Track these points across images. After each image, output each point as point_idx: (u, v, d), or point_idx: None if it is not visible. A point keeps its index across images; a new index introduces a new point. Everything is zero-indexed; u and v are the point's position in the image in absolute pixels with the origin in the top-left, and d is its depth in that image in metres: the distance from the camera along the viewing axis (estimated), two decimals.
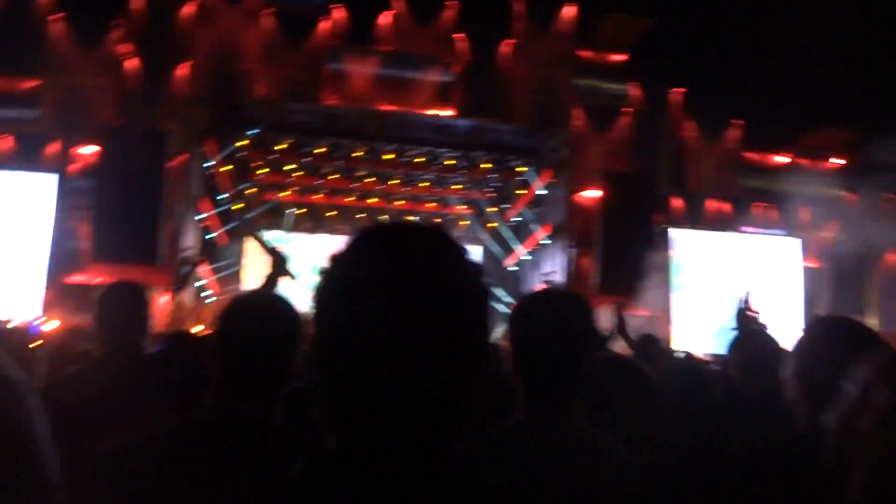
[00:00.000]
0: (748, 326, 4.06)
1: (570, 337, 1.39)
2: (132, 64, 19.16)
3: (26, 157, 18.59)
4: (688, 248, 21.69)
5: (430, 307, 0.82)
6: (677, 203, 21.51)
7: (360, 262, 0.86)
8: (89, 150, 18.31)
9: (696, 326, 21.31)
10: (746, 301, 3.64)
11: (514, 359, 1.45)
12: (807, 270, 22.19)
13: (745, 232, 22.12)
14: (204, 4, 19.90)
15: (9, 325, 16.94)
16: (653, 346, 5.71)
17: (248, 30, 19.98)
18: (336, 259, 0.86)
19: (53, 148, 18.64)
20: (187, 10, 19.89)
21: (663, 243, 21.01)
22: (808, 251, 22.34)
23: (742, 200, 21.91)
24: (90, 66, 18.78)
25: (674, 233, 21.44)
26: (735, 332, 3.52)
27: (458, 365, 0.82)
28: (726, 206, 21.82)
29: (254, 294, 2.62)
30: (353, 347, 0.79)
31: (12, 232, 18.25)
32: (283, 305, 1.93)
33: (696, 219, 21.77)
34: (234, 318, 1.84)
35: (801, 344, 1.81)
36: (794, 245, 22.17)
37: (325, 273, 0.85)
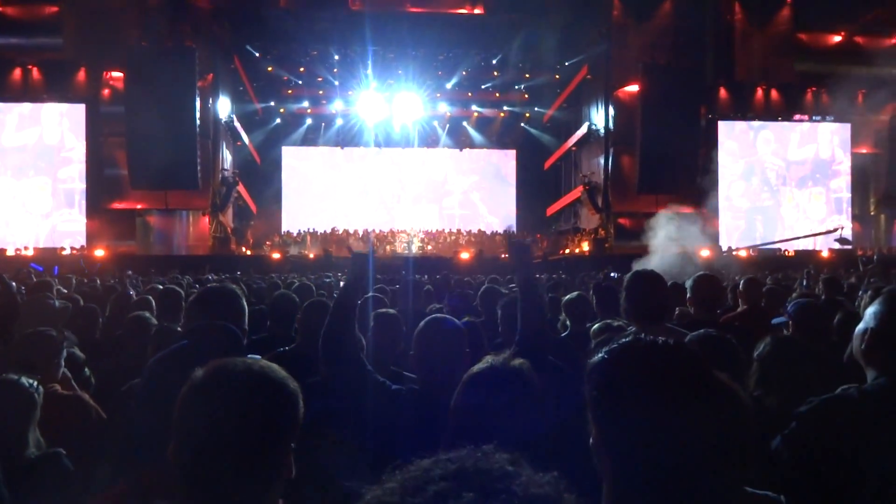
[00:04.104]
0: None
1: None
2: None
3: (53, 88, 18.45)
4: (736, 140, 20.91)
5: None
6: (724, 94, 20.51)
7: None
8: (117, 75, 18.07)
9: (744, 221, 20.88)
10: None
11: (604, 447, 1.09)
12: (856, 156, 21.26)
13: (794, 120, 21.15)
14: None
15: (63, 253, 17.58)
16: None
17: None
18: None
19: (80, 76, 18.44)
20: None
21: (709, 137, 20.24)
22: (860, 136, 21.32)
23: (793, 87, 20.76)
24: None
25: (721, 125, 20.64)
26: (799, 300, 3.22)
27: None
28: (776, 94, 20.73)
29: None
30: None
31: (48, 164, 18.49)
32: None
33: (744, 109, 20.78)
34: None
35: None
36: (843, 131, 21.21)
37: None
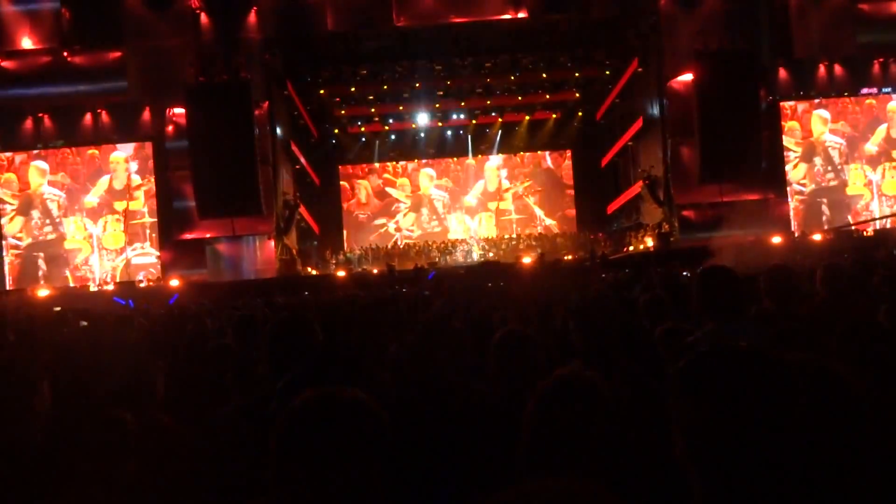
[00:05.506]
0: None
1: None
2: (205, 19, 19.24)
3: (122, 129, 19.45)
4: (796, 120, 20.14)
5: None
6: (784, 73, 19.78)
7: None
8: (179, 111, 18.82)
9: (811, 205, 20.06)
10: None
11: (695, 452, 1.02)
12: None
13: (861, 94, 20.20)
14: None
15: (140, 285, 18.39)
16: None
17: None
18: None
19: (145, 115, 19.32)
20: None
21: (771, 119, 19.55)
22: None
23: (857, 60, 19.84)
24: (167, 28, 18.98)
25: (783, 106, 19.93)
26: None
27: None
28: (840, 69, 19.85)
29: None
30: None
31: (120, 203, 19.48)
32: None
33: (807, 87, 19.98)
34: None
35: None
36: None
37: None
